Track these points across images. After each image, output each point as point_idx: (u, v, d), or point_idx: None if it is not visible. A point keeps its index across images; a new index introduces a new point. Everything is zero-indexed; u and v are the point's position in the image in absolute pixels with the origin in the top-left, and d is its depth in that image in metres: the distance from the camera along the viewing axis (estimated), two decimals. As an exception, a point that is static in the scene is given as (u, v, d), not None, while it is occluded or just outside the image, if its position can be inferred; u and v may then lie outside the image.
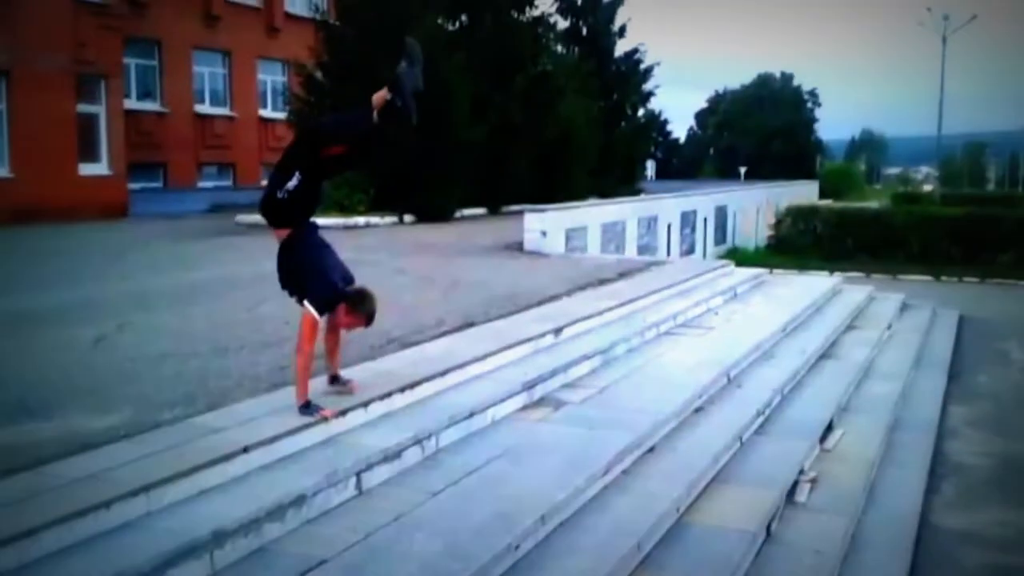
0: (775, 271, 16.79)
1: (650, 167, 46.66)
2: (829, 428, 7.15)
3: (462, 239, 15.39)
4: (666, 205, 20.11)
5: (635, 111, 32.25)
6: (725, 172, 54.15)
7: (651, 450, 5.73)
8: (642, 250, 17.50)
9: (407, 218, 18.97)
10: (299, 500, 4.15)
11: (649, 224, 18.41)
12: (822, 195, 43.41)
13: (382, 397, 5.31)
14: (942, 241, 20.82)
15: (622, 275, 11.69)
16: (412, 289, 9.49)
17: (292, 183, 4.78)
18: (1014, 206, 32.62)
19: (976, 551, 5.67)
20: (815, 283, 13.73)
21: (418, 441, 5.00)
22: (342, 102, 19.21)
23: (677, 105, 65.91)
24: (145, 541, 3.60)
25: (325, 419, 4.79)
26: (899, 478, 6.65)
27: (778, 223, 23.38)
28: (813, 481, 6.00)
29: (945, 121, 44.51)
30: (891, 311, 12.68)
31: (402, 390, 5.49)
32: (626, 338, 8.32)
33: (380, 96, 4.86)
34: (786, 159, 57.05)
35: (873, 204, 34.65)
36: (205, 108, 25.77)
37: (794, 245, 22.23)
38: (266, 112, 27.26)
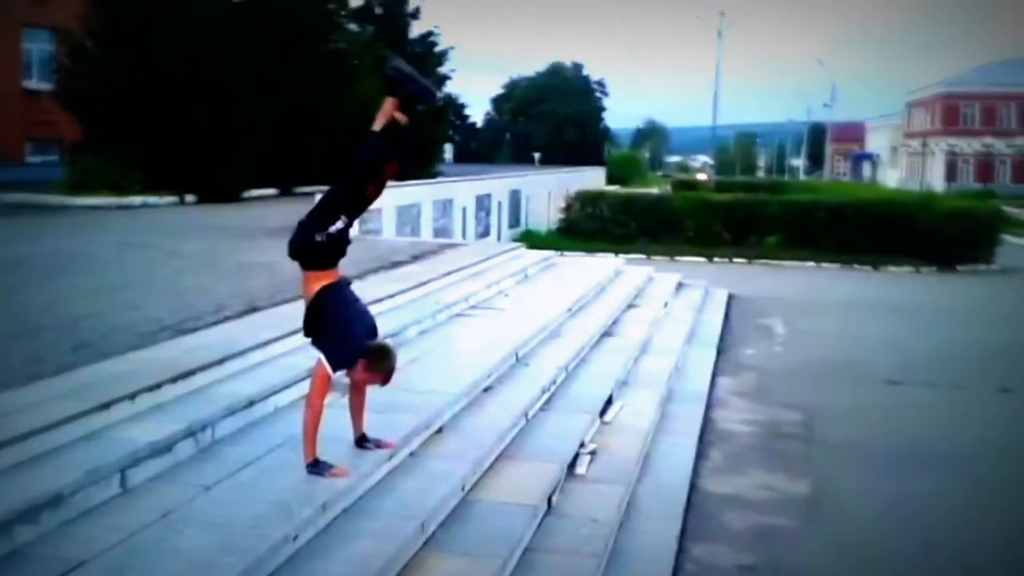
0: (565, 253, 17.36)
1: (448, 150, 46.87)
2: (609, 402, 7.47)
3: (248, 220, 14.79)
4: (461, 188, 20.27)
5: (431, 95, 32.21)
6: (520, 157, 55.35)
7: (439, 431, 5.75)
8: (437, 233, 17.56)
9: (189, 198, 18.01)
10: (55, 500, 3.81)
11: (444, 207, 18.49)
12: (610, 181, 45.35)
13: (151, 388, 4.98)
14: (715, 224, 22.27)
15: (416, 257, 11.67)
16: (191, 273, 9.00)
17: (337, 226, 4.47)
18: (779, 192, 35.41)
19: (741, 513, 6.12)
20: (600, 265, 14.33)
21: (191, 433, 4.73)
22: (114, 73, 17.95)
23: (474, 90, 66.65)
24: None
25: (339, 477, 4.41)
26: (672, 447, 7.06)
27: (568, 207, 24.15)
28: (593, 453, 6.24)
29: (720, 113, 47.70)
30: (668, 291, 13.44)
31: (174, 380, 5.17)
32: (418, 320, 8.31)
33: (387, 109, 4.66)
34: (577, 146, 59.11)
35: (654, 190, 36.56)
36: (-43, 77, 23.25)
37: (583, 228, 23.06)
38: (31, 83, 24.97)
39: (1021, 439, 7.90)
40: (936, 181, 64.16)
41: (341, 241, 4.55)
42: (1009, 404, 9.10)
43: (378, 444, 4.90)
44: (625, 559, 5.00)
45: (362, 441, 4.89)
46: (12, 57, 24.56)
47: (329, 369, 4.44)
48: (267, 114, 19.27)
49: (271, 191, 20.94)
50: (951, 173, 66.45)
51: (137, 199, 16.84)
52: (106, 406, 4.65)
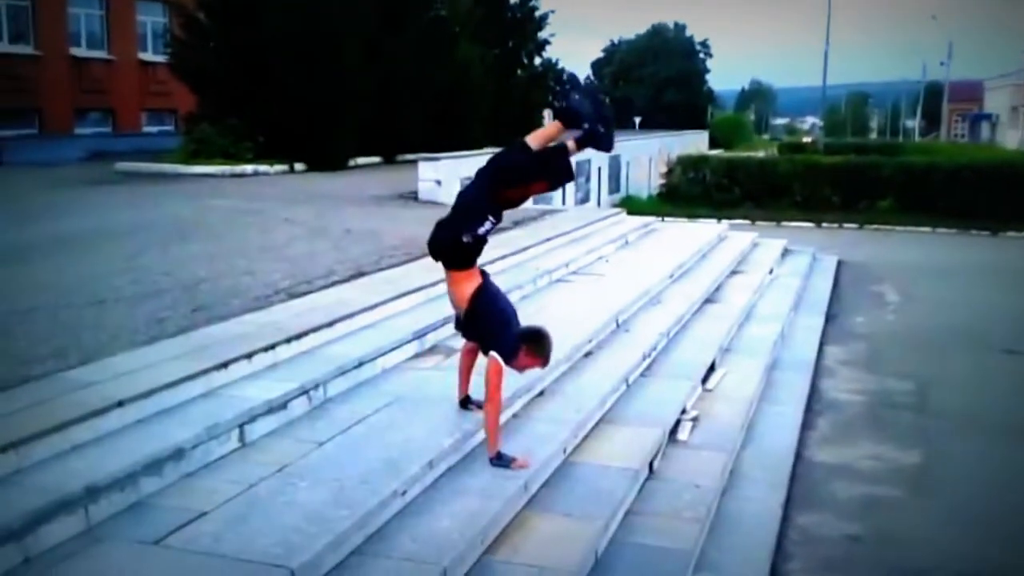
0: (666, 219, 17.14)
1: (547, 116, 46.70)
2: (711, 369, 7.41)
3: (355, 188, 15.12)
4: (561, 154, 20.16)
5: (531, 59, 32.07)
6: (620, 122, 54.61)
7: (541, 394, 5.82)
8: (537, 199, 17.56)
9: (298, 167, 18.51)
10: (177, 453, 4.04)
11: (544, 173, 18.44)
12: (713, 145, 44.38)
13: (267, 348, 5.20)
14: (824, 189, 21.57)
15: (516, 223, 11.72)
16: (301, 239, 9.29)
17: (484, 228, 4.49)
18: (893, 154, 34.01)
19: (847, 484, 6.00)
20: (703, 230, 14.08)
21: (304, 392, 4.93)
22: (226, 44, 18.52)
23: (574, 54, 65.96)
24: (15, 498, 3.46)
25: (522, 468, 4.53)
26: (776, 415, 6.96)
27: (669, 172, 23.78)
28: (695, 420, 6.22)
29: (830, 72, 45.90)
30: (773, 256, 13.15)
31: (288, 341, 5.38)
32: (519, 285, 8.36)
33: (550, 132, 4.62)
34: (679, 109, 58.04)
35: (760, 154, 35.61)
36: (81, 51, 24.36)
37: (684, 194, 22.68)
38: (146, 55, 25.98)
39: None
40: (1062, 142, 60.40)
41: (484, 240, 4.58)
42: None
43: (480, 406, 4.96)
44: (728, 525, 4.99)
45: (466, 403, 5.00)
46: (128, 29, 25.55)
47: (502, 363, 4.48)
48: (371, 84, 19.57)
49: (375, 159, 21.32)
50: (1079, 134, 62.43)
51: (249, 167, 17.40)
52: (224, 365, 4.88)
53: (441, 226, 4.63)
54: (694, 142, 36.19)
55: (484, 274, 4.70)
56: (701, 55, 69.79)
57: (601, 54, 72.31)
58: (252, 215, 10.99)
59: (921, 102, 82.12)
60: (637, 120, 50.49)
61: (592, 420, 5.61)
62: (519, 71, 30.63)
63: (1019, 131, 73.24)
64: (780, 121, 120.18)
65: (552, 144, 4.55)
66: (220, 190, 14.05)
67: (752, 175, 22.72)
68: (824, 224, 20.26)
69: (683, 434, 5.99)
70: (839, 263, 14.52)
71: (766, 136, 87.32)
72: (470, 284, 4.59)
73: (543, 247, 10.21)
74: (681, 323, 8.38)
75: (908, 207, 20.59)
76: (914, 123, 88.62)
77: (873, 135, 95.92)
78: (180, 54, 19.73)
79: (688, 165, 23.59)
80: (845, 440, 6.82)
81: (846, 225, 20.01)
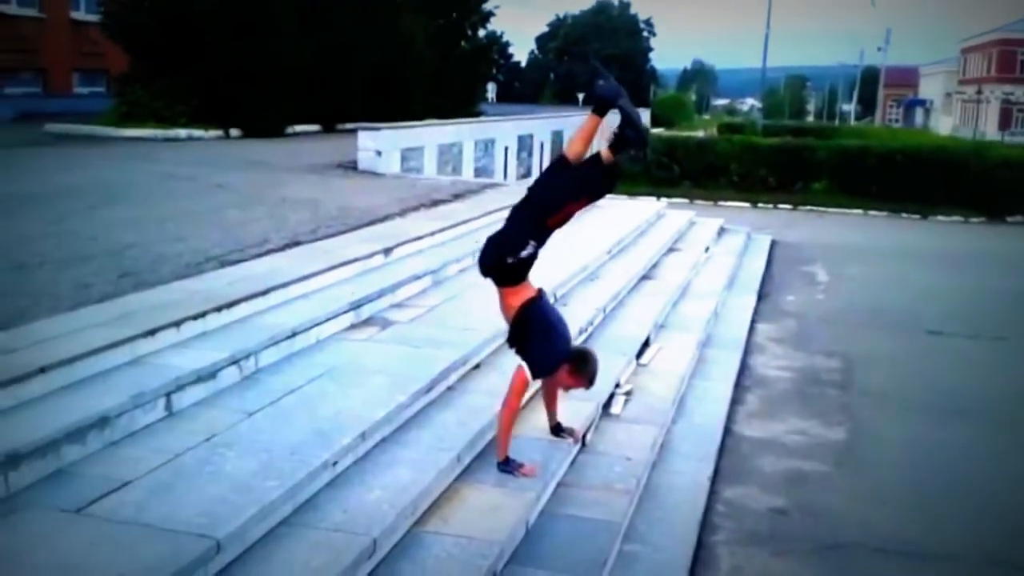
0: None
1: (491, 90, 46.49)
2: (646, 344, 7.49)
3: (292, 156, 14.87)
4: (504, 128, 20.12)
5: (475, 31, 31.82)
6: (565, 97, 54.72)
7: (477, 367, 5.82)
8: (479, 172, 17.51)
9: (233, 133, 18.13)
10: (101, 422, 3.95)
11: (486, 146, 18.39)
12: (655, 123, 44.76)
13: (196, 317, 5.09)
14: (760, 169, 21.90)
15: (457, 196, 11.68)
16: (235, 206, 9.10)
17: (527, 251, 4.49)
18: (828, 137, 34.64)
19: (774, 458, 6.14)
20: (641, 208, 14.17)
21: (235, 361, 4.84)
22: (161, 5, 17.97)
23: (519, 28, 65.62)
24: (-72, 467, 3.35)
25: (529, 476, 4.54)
26: (707, 391, 7.08)
27: (611, 149, 23.86)
28: (628, 394, 6.29)
29: (770, 55, 46.47)
30: (710, 235, 13.32)
31: (219, 309, 5.28)
32: (458, 259, 8.34)
33: (589, 128, 4.53)
34: (623, 86, 58.17)
35: (700, 133, 35.97)
36: (11, 8, 23.39)
37: (625, 171, 22.77)
38: (79, 14, 25.08)
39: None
40: (990, 129, 62.24)
41: (531, 261, 4.58)
42: (1054, 357, 8.95)
43: (570, 433, 5.03)
44: (657, 497, 5.07)
45: (557, 430, 5.00)
46: (60, -13, 24.64)
47: (529, 376, 4.53)
48: (310, 50, 19.20)
49: (314, 127, 20.98)
50: (1005, 121, 64.40)
51: (183, 132, 16.99)
52: (151, 333, 4.77)
53: (489, 243, 4.66)
54: (636, 120, 36.31)
55: (539, 291, 4.72)
56: (645, 34, 70.18)
57: (546, 28, 72.09)
58: (184, 180, 10.73)
59: (858, 87, 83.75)
60: (580, 96, 50.56)
61: (527, 393, 5.62)
62: (462, 43, 30.37)
63: (952, 117, 75.36)
64: (721, 102, 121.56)
65: (587, 156, 4.53)
66: (152, 154, 13.69)
67: (692, 155, 22.94)
68: (760, 204, 20.60)
69: (616, 408, 6.06)
70: (773, 243, 14.79)
71: (707, 116, 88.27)
72: (517, 299, 4.60)
73: (484, 220, 10.17)
74: (618, 299, 8.45)
75: (842, 189, 21.05)
76: (850, 107, 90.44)
77: (810, 118, 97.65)
78: (114, 14, 19.09)
79: (629, 143, 23.68)
80: (773, 415, 6.97)
81: (781, 206, 20.37)
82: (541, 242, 4.55)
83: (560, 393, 4.89)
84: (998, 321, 10.18)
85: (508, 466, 4.56)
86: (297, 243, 7.42)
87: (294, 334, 5.43)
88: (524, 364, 4.52)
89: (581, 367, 4.62)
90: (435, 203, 10.79)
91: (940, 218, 19.54)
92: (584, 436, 5.37)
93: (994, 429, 6.80)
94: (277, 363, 5.17)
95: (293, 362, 5.25)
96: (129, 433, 4.07)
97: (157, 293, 5.54)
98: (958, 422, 6.91)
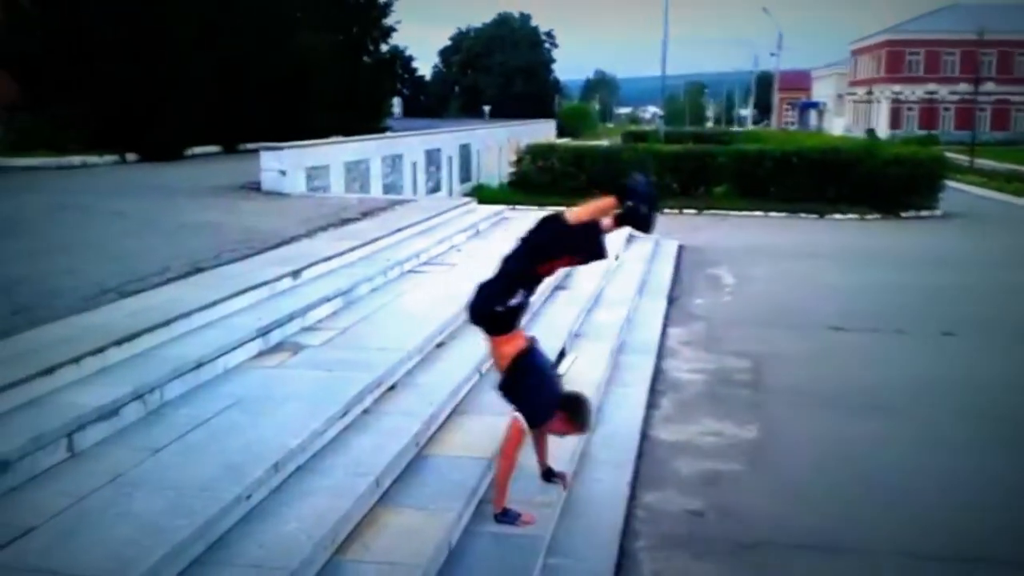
0: (517, 207, 17.32)
1: (397, 104, 46.34)
2: (562, 354, 7.53)
3: (192, 179, 14.50)
4: (411, 143, 20.03)
5: (377, 46, 31.66)
6: (470, 110, 54.93)
7: (392, 388, 5.75)
8: (387, 189, 17.37)
9: (130, 157, 17.55)
10: (1, 466, 3.75)
11: (394, 162, 18.26)
12: (561, 133, 45.25)
13: (95, 352, 4.88)
14: (664, 176, 22.32)
15: (366, 214, 11.56)
16: (132, 234, 8.80)
17: (516, 300, 4.56)
18: (728, 142, 35.62)
19: (690, 460, 6.24)
20: (552, 218, 14.29)
21: (138, 396, 4.66)
22: (50, 30, 17.31)
23: (421, 42, 65.64)
24: None
25: (529, 524, 4.54)
26: (623, 397, 7.17)
27: (519, 161, 24.01)
28: (546, 406, 6.29)
29: (669, 63, 47.67)
30: (619, 242, 13.47)
31: (119, 343, 5.07)
32: (369, 278, 8.25)
33: (601, 207, 4.55)
34: (527, 98, 58.85)
35: (605, 142, 36.53)
36: None
37: (534, 182, 22.94)
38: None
39: (960, 381, 8.14)
40: (881, 128, 65.09)
41: (521, 309, 4.63)
42: (949, 347, 9.36)
43: (562, 477, 5.04)
44: (579, 507, 5.09)
45: (549, 475, 4.99)
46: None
47: (525, 426, 4.53)
48: (206, 70, 18.77)
49: (214, 148, 20.51)
50: (896, 120, 67.46)
51: (77, 159, 16.37)
52: (49, 371, 4.55)
53: (480, 292, 4.65)
54: (543, 131, 36.75)
55: (531, 340, 4.75)
56: (547, 45, 71.00)
57: (449, 42, 72.24)
58: (78, 209, 10.34)
59: (753, 91, 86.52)
60: (487, 109, 50.87)
61: (445, 412, 5.60)
62: (365, 58, 30.18)
63: (844, 118, 78.46)
64: (624, 110, 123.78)
65: (586, 222, 4.56)
66: (43, 184, 13.14)
67: (598, 163, 23.26)
68: (666, 210, 20.93)
69: (535, 421, 6.06)
70: (680, 247, 15.10)
71: (611, 124, 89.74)
72: (510, 347, 4.62)
73: (394, 238, 10.11)
74: (532, 311, 8.48)
75: (742, 192, 21.63)
76: (747, 111, 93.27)
77: (710, 123, 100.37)
78: (1, 40, 18.29)
79: (537, 154, 23.87)
80: (687, 418, 7.08)
81: (686, 211, 20.81)
82: (531, 291, 4.62)
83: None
84: (897, 315, 10.60)
85: (507, 517, 4.55)
86: (199, 270, 7.21)
87: (200, 365, 5.26)
88: (519, 414, 4.53)
89: (575, 414, 4.70)
90: (344, 222, 10.66)
91: (837, 216, 20.26)
92: (504, 451, 5.35)
93: (899, 421, 7.06)
94: (183, 396, 5.00)
95: (200, 394, 5.08)
96: (30, 477, 3.88)
97: (53, 329, 5.31)
98: (864, 416, 7.15)
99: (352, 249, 8.87)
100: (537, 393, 4.60)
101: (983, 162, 34.21)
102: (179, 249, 8.03)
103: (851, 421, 7.06)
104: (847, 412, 7.26)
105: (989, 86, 47.26)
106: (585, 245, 4.58)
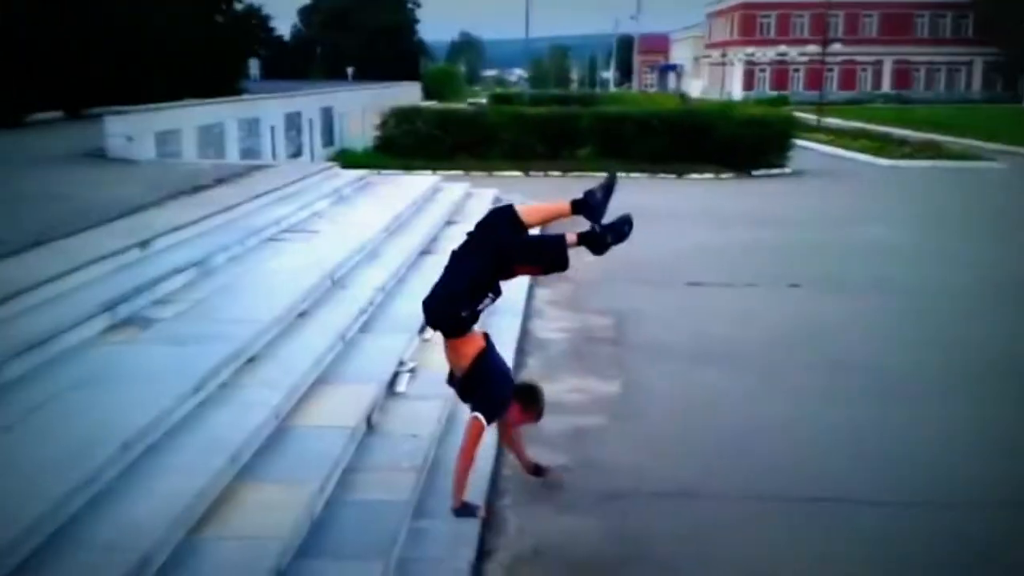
0: (382, 172, 17.10)
1: (255, 66, 44.64)
2: (427, 320, 7.51)
3: (31, 147, 13.60)
4: (269, 106, 19.39)
5: (231, 4, 30.37)
6: (333, 72, 53.51)
7: (251, 360, 5.60)
8: (245, 154, 16.79)
9: (-38, 124, 16.31)
10: None
11: (251, 126, 17.65)
12: (427, 96, 44.78)
13: (-79, 334, 4.56)
14: (530, 138, 22.48)
15: (221, 180, 11.16)
16: (-36, 206, 8.21)
17: (483, 304, 4.53)
18: (590, 104, 36.10)
19: (556, 417, 6.29)
20: (418, 183, 14.21)
21: (-27, 380, 4.38)
22: None
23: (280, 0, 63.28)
24: None
25: (484, 519, 4.60)
26: (490, 359, 7.21)
27: (383, 124, 23.64)
28: (412, 371, 6.29)
29: (533, 26, 47.76)
30: (486, 206, 13.52)
31: (-52, 324, 4.75)
32: (226, 247, 8.00)
33: (560, 213, 4.75)
34: (391, 60, 57.73)
35: (471, 105, 36.39)
36: None
37: (400, 145, 22.67)
38: None
39: (806, 330, 8.62)
40: (736, 90, 67.45)
41: (482, 311, 4.55)
42: (797, 298, 9.88)
43: (549, 471, 5.18)
44: (445, 470, 5.08)
45: (538, 471, 5.14)
46: None
47: (485, 423, 4.54)
48: (42, 30, 17.56)
49: (57, 114, 19.28)
50: (749, 82, 69.99)
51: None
52: None
53: (441, 296, 4.57)
54: (408, 93, 36.24)
55: (486, 336, 4.74)
56: (410, 5, 69.73)
57: (309, 0, 69.95)
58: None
59: (615, 54, 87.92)
60: (350, 71, 49.71)
61: (307, 382, 5.50)
62: (218, 17, 28.91)
63: (701, 80, 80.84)
64: (490, 72, 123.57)
65: (552, 234, 4.64)
66: None
67: (464, 126, 23.17)
68: (532, 172, 21.17)
69: (401, 386, 6.05)
70: (546, 209, 15.23)
71: (477, 87, 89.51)
72: (470, 348, 4.62)
73: (253, 204, 9.82)
74: (398, 277, 8.43)
75: (605, 154, 21.99)
76: (609, 74, 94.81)
77: (574, 86, 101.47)
78: None
79: (402, 117, 23.55)
80: (553, 376, 7.20)
81: (551, 173, 21.04)
82: (498, 293, 4.59)
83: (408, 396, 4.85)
84: (751, 269, 11.08)
85: (466, 510, 4.56)
86: (39, 243, 6.79)
87: (41, 343, 4.99)
88: (478, 413, 4.54)
89: (530, 402, 4.82)
90: (197, 189, 10.26)
91: (694, 176, 20.93)
92: (369, 418, 5.32)
93: (750, 371, 7.41)
94: (24, 377, 4.74)
95: (43, 374, 4.82)
96: None
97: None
98: (719, 367, 7.47)
99: (206, 217, 8.57)
100: (499, 390, 4.68)
101: (831, 121, 35.98)
102: (16, 221, 7.53)
103: (707, 372, 7.36)
104: (703, 363, 7.57)
105: (836, 47, 49.46)
106: (550, 258, 4.68)
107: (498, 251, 4.51)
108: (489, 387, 4.64)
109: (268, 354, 5.74)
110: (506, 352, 7.40)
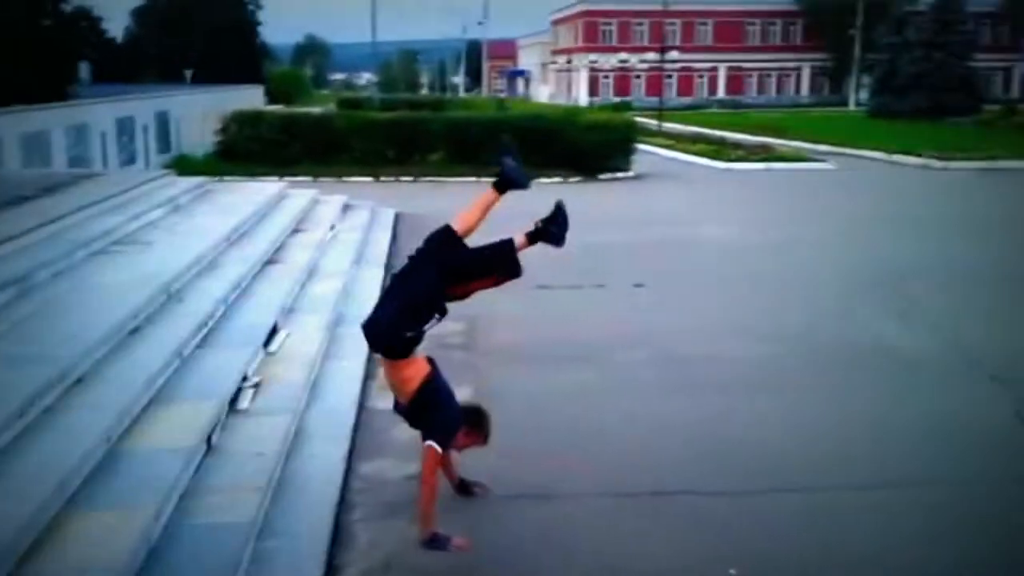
0: (223, 179, 16.52)
1: (86, 70, 42.26)
2: (274, 331, 7.31)
3: None
4: (98, 111, 18.41)
5: (57, 5, 28.66)
6: (170, 75, 51.30)
7: (79, 381, 5.27)
8: (73, 162, 15.87)
9: None
10: None
11: (79, 133, 16.69)
12: (273, 100, 43.70)
13: None
14: (380, 144, 22.26)
15: (46, 190, 10.53)
16: None
17: (430, 324, 4.44)
18: (440, 109, 36.11)
19: (408, 426, 6.29)
20: (261, 190, 13.79)
21: None
22: None
23: (112, 1, 60.21)
24: None
25: (462, 549, 4.37)
26: (340, 371, 7.09)
27: (225, 129, 22.83)
28: (256, 386, 6.10)
29: (381, 30, 47.41)
30: (334, 213, 13.33)
31: None
32: (50, 261, 7.51)
33: (489, 201, 4.74)
34: (233, 63, 55.86)
35: (317, 109, 35.73)
36: None
37: (243, 151, 21.94)
38: None
39: (648, 328, 8.91)
40: (582, 96, 69.15)
41: (424, 332, 4.47)
42: (640, 297, 10.21)
43: (480, 487, 5.09)
44: (293, 487, 4.98)
45: (465, 488, 5.06)
46: None
47: (439, 450, 4.47)
48: None
49: None
50: (594, 88, 71.91)
51: None
52: None
53: (383, 319, 4.49)
54: (251, 97, 35.23)
55: (431, 361, 4.65)
56: (250, 6, 67.77)
57: (142, 1, 66.79)
58: None
59: (464, 60, 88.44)
60: (189, 73, 47.79)
61: (140, 402, 5.23)
62: (44, 18, 27.22)
63: (548, 86, 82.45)
64: (338, 76, 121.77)
65: (499, 241, 4.66)
66: None
67: (311, 131, 22.69)
68: (382, 178, 20.98)
69: (244, 403, 5.85)
70: (397, 216, 15.14)
71: (325, 91, 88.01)
72: (414, 372, 4.53)
73: (80, 215, 9.27)
74: (240, 288, 8.15)
75: (456, 159, 22.08)
76: (459, 79, 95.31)
77: (424, 91, 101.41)
78: None
79: (244, 121, 22.81)
80: (405, 385, 7.14)
81: (402, 178, 20.93)
82: (443, 313, 4.46)
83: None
84: (598, 271, 11.35)
85: (436, 542, 4.35)
86: None
87: None
88: (431, 441, 4.40)
89: (477, 425, 4.73)
90: (20, 200, 9.61)
91: (543, 180, 21.22)
92: (209, 437, 5.10)
93: (600, 371, 7.59)
94: None
95: None
96: None
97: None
98: (568, 367, 7.62)
99: (29, 231, 8.03)
100: (450, 414, 4.59)
101: (671, 126, 37.38)
102: None
103: (556, 373, 7.49)
104: (553, 365, 7.69)
105: (674, 54, 51.48)
106: (500, 266, 4.64)
107: (442, 270, 4.50)
108: (439, 412, 4.57)
109: (96, 374, 5.43)
110: (355, 364, 7.34)
